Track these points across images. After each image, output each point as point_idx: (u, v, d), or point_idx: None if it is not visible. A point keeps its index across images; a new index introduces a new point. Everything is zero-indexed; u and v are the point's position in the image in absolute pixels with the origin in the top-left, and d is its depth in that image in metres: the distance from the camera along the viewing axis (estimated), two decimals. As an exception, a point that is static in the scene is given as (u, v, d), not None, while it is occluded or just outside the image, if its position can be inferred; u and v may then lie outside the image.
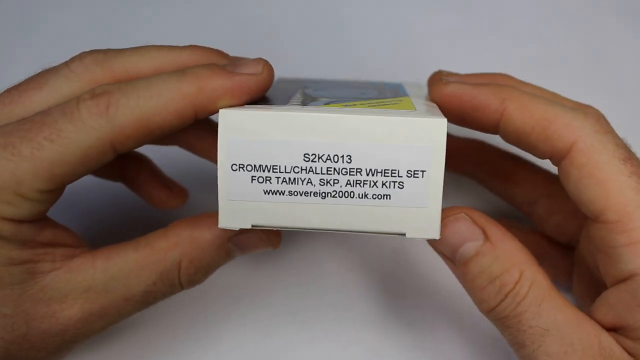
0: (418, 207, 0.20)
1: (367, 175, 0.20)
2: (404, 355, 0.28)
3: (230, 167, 0.20)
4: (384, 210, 0.20)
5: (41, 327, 0.22)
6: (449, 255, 0.22)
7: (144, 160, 0.30)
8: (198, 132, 0.28)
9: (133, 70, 0.23)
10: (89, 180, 0.29)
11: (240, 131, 0.20)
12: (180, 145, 0.29)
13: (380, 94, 0.25)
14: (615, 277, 0.21)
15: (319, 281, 0.30)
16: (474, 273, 0.22)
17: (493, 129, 0.23)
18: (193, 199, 0.31)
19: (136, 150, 0.30)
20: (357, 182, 0.20)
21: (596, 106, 0.24)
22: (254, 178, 0.20)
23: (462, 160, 0.30)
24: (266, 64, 0.22)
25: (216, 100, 0.21)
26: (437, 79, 0.24)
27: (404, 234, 0.21)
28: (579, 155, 0.21)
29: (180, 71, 0.21)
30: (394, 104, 0.22)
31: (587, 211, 0.22)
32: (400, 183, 0.20)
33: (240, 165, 0.20)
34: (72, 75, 0.22)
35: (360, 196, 0.20)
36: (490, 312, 0.22)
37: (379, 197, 0.20)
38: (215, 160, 0.28)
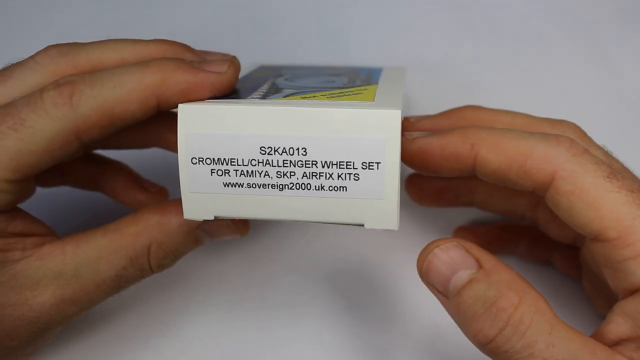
0: (375, 199, 0.21)
1: (323, 167, 0.20)
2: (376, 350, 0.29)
3: (190, 160, 0.21)
4: (341, 201, 0.21)
5: (14, 315, 0.22)
6: (442, 287, 0.21)
7: (120, 167, 0.30)
8: (172, 127, 0.28)
9: (97, 62, 0.23)
10: (68, 189, 0.29)
11: (198, 125, 0.21)
12: (160, 146, 0.29)
13: (350, 82, 0.25)
14: (627, 289, 0.21)
15: (289, 269, 0.31)
16: (468, 302, 0.20)
17: (469, 174, 0.23)
18: (173, 195, 0.31)
19: (111, 157, 0.30)
20: (313, 174, 0.21)
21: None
22: (213, 171, 0.21)
23: (457, 194, 0.30)
24: (232, 64, 0.22)
25: (178, 94, 0.21)
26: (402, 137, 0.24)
27: (363, 225, 0.21)
28: (563, 184, 0.21)
29: (145, 62, 0.22)
30: (356, 93, 0.23)
31: (584, 233, 0.21)
32: (356, 175, 0.20)
33: (200, 159, 0.21)
34: (37, 67, 0.23)
35: (317, 188, 0.21)
36: (489, 344, 0.20)
37: (335, 188, 0.21)
38: (174, 149, 0.29)
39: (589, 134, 0.25)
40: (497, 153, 0.22)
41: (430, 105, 0.31)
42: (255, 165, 0.21)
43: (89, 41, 0.24)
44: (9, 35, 0.36)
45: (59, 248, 0.23)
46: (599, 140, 0.25)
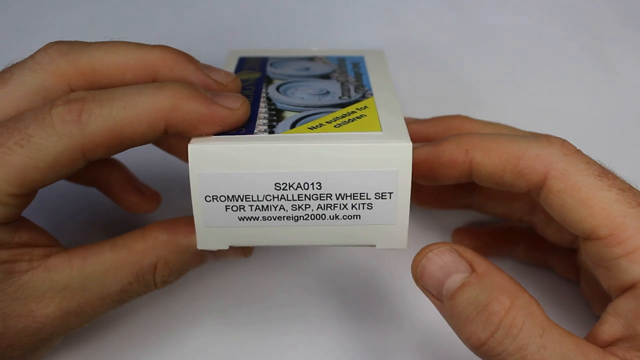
0: (387, 224, 0.21)
1: (337, 199, 0.21)
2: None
3: (203, 198, 0.21)
4: (354, 228, 0.22)
5: (18, 326, 0.22)
6: (436, 292, 0.21)
7: (117, 165, 0.30)
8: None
9: (99, 64, 0.23)
10: (63, 182, 0.29)
11: (211, 165, 0.21)
12: (163, 149, 0.29)
13: (345, 94, 0.25)
14: (619, 287, 0.21)
15: (288, 273, 0.31)
16: (461, 306, 0.20)
17: (466, 180, 0.24)
18: (167, 198, 0.31)
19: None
20: (328, 205, 0.21)
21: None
22: (228, 207, 0.21)
23: (455, 196, 0.31)
24: (245, 102, 0.22)
25: (188, 122, 0.21)
26: None
27: (374, 245, 0.22)
28: (555, 182, 0.22)
29: (159, 84, 0.21)
30: (359, 116, 0.23)
31: (577, 232, 0.22)
32: (369, 204, 0.21)
33: (214, 197, 0.21)
34: (37, 67, 0.22)
35: (332, 217, 0.21)
36: (481, 347, 0.20)
37: (349, 217, 0.21)
38: (181, 157, 0.29)
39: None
40: (491, 156, 0.23)
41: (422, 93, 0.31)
42: (271, 200, 0.21)
43: (90, 41, 0.24)
44: (9, 35, 0.36)
45: (66, 260, 0.23)
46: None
